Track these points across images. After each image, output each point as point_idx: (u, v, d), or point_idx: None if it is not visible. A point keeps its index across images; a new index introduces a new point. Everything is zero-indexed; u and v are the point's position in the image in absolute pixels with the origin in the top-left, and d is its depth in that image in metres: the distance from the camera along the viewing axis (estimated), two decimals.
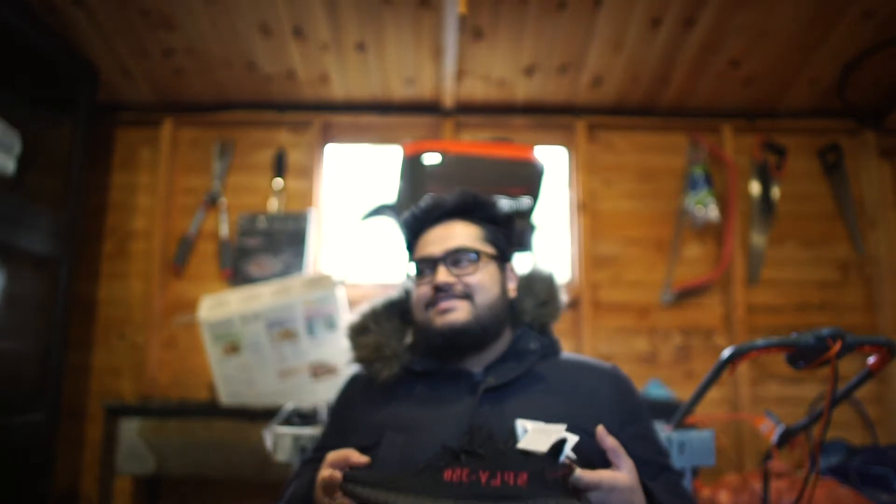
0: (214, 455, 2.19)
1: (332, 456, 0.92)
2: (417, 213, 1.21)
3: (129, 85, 2.75)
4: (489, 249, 1.16)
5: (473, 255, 1.13)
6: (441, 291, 1.10)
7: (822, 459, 2.09)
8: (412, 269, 1.17)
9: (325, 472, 0.90)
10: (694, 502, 1.11)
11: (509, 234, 1.22)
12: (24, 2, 2.23)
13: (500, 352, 1.15)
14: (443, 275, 1.11)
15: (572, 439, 0.82)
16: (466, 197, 1.19)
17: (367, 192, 2.89)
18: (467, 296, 1.10)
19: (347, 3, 2.32)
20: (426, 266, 1.14)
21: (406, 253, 1.23)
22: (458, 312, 1.09)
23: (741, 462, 2.64)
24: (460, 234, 1.16)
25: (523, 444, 0.83)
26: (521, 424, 0.88)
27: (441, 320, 1.10)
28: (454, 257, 1.13)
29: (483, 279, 1.12)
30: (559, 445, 0.81)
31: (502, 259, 1.19)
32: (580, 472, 0.79)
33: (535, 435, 0.84)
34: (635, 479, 0.86)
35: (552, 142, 2.96)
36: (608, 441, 0.85)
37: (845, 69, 2.63)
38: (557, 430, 0.84)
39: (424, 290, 1.13)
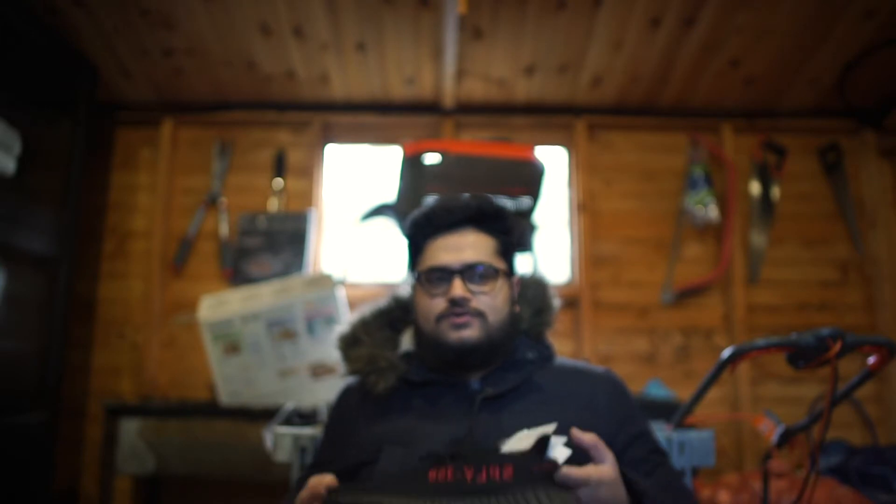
0: (214, 455, 2.19)
1: (312, 482, 0.89)
2: (430, 216, 1.13)
3: (129, 85, 2.75)
4: (502, 265, 1.12)
5: (492, 272, 1.09)
6: (456, 305, 1.06)
7: (822, 459, 2.09)
8: (422, 276, 1.11)
9: (305, 494, 0.87)
10: (693, 498, 1.09)
11: (514, 243, 1.19)
12: (24, 2, 2.22)
13: (500, 362, 1.14)
14: (459, 289, 1.06)
15: (558, 438, 0.82)
16: (483, 205, 1.13)
17: (367, 192, 2.89)
18: (480, 314, 1.07)
19: (347, 3, 2.32)
20: (440, 276, 1.09)
21: (409, 255, 1.18)
22: (471, 329, 1.06)
23: (741, 462, 2.64)
24: (477, 246, 1.11)
25: (508, 446, 0.84)
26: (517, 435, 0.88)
27: (455, 335, 1.06)
28: (471, 272, 1.08)
29: (497, 299, 1.09)
30: (543, 441, 0.81)
31: (511, 273, 1.16)
32: (566, 470, 0.79)
33: (519, 438, 0.84)
34: (617, 471, 0.87)
35: (552, 142, 2.96)
36: (586, 438, 0.85)
37: (845, 69, 2.63)
38: (544, 430, 0.84)
39: (438, 302, 1.08)
